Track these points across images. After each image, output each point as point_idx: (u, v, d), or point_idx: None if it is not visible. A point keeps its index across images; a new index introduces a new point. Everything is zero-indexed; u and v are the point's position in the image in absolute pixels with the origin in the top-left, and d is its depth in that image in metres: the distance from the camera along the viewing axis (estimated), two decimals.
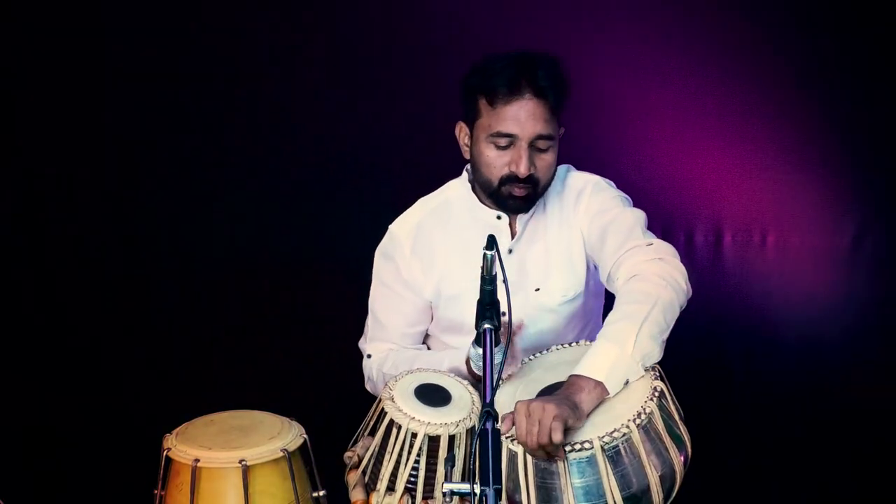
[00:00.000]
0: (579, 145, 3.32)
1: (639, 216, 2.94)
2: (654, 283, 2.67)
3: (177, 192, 4.07)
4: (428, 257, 3.02)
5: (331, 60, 3.98)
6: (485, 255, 2.50)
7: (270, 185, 4.07)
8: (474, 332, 2.59)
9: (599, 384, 2.53)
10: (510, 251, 2.98)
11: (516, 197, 2.88)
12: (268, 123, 4.03)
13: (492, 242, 2.50)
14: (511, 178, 2.86)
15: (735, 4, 3.88)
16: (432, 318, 3.10)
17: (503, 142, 2.84)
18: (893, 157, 3.88)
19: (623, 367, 2.55)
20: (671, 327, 2.66)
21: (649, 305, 2.61)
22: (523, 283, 2.94)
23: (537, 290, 2.98)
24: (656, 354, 2.60)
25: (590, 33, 3.89)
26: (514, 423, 2.48)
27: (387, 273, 3.07)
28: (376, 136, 3.99)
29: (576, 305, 3.02)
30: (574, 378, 2.56)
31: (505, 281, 2.50)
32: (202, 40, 3.96)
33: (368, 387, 3.14)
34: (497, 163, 2.86)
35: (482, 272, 2.51)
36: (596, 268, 2.98)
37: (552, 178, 2.94)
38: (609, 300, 3.12)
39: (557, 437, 2.42)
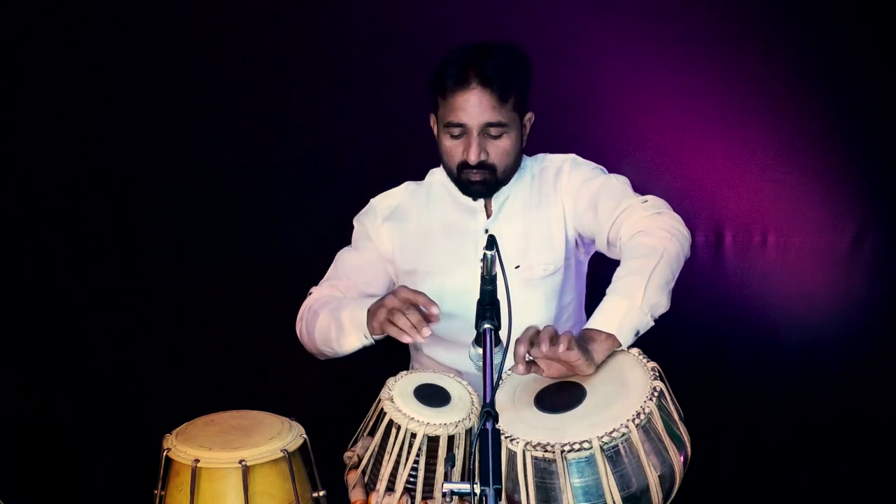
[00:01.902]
0: (579, 145, 3.33)
1: (624, 180, 3.07)
2: (659, 236, 2.80)
3: (177, 192, 4.07)
4: (399, 229, 3.16)
5: (330, 62, 3.98)
6: (485, 255, 2.51)
7: (270, 185, 4.07)
8: (454, 312, 2.71)
9: (611, 336, 2.65)
10: (486, 231, 3.09)
11: (473, 182, 3.03)
12: (268, 124, 4.02)
13: (492, 243, 2.51)
14: (465, 165, 3.01)
15: (735, 4, 3.88)
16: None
17: (456, 131, 2.99)
18: (893, 157, 3.88)
19: (633, 319, 2.66)
20: (676, 277, 2.78)
21: (656, 259, 2.73)
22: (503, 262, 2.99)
23: (517, 267, 3.06)
24: (664, 304, 2.72)
25: (589, 33, 3.89)
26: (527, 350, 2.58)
27: (357, 232, 3.25)
28: (377, 136, 3.99)
29: (556, 281, 3.10)
30: (586, 331, 2.67)
31: (505, 282, 2.51)
32: (201, 41, 3.95)
33: (297, 326, 3.23)
34: (453, 152, 3.02)
35: (482, 272, 2.52)
36: (583, 242, 3.10)
37: (514, 163, 3.07)
38: (592, 288, 3.15)
39: (563, 346, 2.53)
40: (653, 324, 2.70)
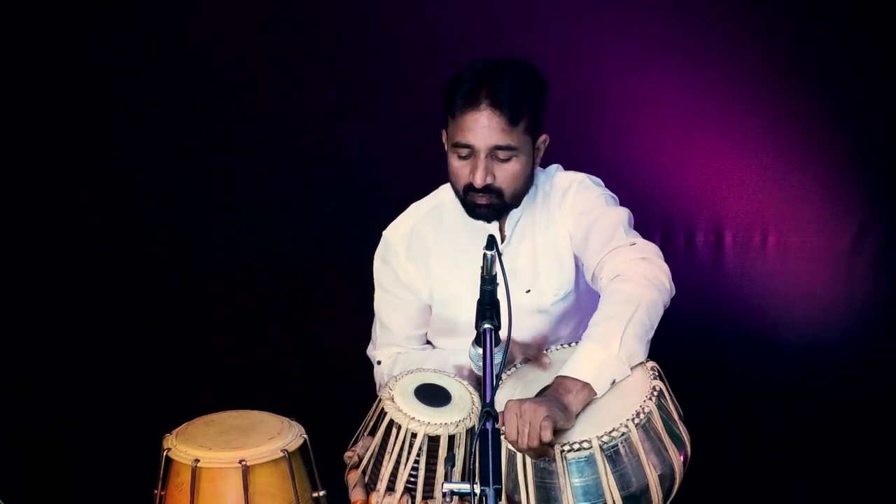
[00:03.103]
0: (579, 146, 3.33)
1: (622, 215, 2.95)
2: (637, 283, 2.70)
3: (177, 192, 4.07)
4: (423, 260, 3.06)
5: (331, 62, 3.98)
6: (485, 255, 2.51)
7: (270, 185, 4.07)
8: (468, 334, 2.61)
9: (587, 385, 2.57)
10: (500, 254, 2.98)
11: (479, 205, 2.92)
12: (268, 124, 4.02)
13: (492, 243, 2.51)
14: (471, 188, 2.90)
15: (735, 4, 3.88)
16: None
17: (463, 152, 2.88)
18: (893, 158, 3.88)
19: (610, 368, 2.59)
20: (655, 327, 2.68)
21: (633, 306, 2.64)
22: (513, 285, 2.94)
23: (528, 291, 3.01)
24: (641, 354, 2.64)
25: (589, 34, 3.89)
26: (502, 423, 2.50)
27: (385, 278, 3.11)
28: (377, 136, 3.98)
29: (567, 304, 3.04)
30: (561, 379, 2.59)
31: (505, 281, 2.50)
32: (200, 41, 3.95)
33: (383, 395, 3.14)
34: (460, 172, 2.91)
35: (482, 272, 2.52)
36: (583, 265, 3.00)
37: (523, 187, 2.96)
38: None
39: (547, 436, 2.45)
40: (629, 374, 2.61)
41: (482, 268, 2.52)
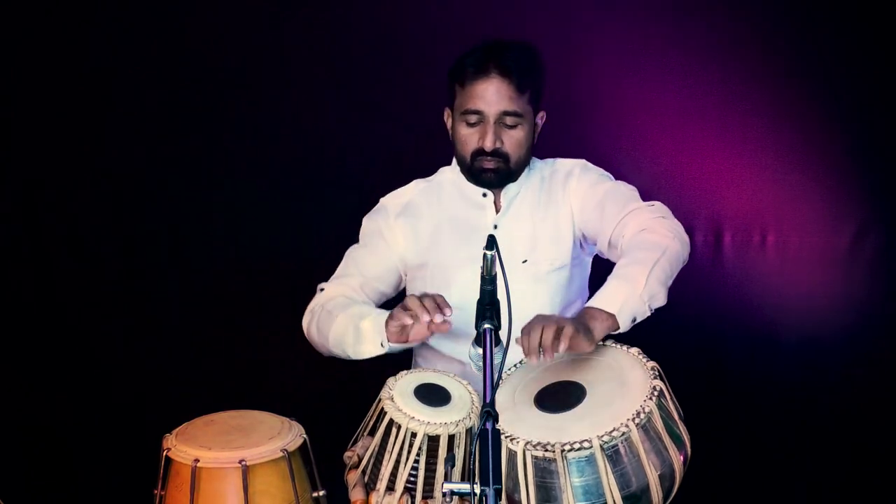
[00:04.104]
0: (579, 145, 3.33)
1: (632, 188, 3.15)
2: (662, 234, 2.89)
3: (177, 192, 4.07)
4: (412, 225, 3.18)
5: (331, 62, 3.98)
6: (485, 255, 2.51)
7: (270, 185, 4.07)
8: (462, 306, 2.71)
9: (612, 316, 2.72)
10: (495, 226, 3.13)
11: (486, 169, 3.07)
12: (268, 124, 4.02)
13: (492, 243, 2.51)
14: (480, 152, 3.06)
15: (735, 4, 3.88)
16: (402, 289, 3.23)
17: (472, 118, 3.04)
18: (893, 157, 3.88)
19: (633, 305, 2.74)
20: (675, 276, 2.86)
21: (659, 253, 2.82)
22: (510, 256, 3.02)
23: (524, 261, 3.10)
24: (661, 298, 2.80)
25: (589, 33, 3.89)
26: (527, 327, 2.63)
27: (367, 230, 3.25)
28: (377, 136, 3.99)
29: (563, 276, 3.14)
30: (588, 309, 2.74)
31: (505, 281, 2.51)
32: (200, 41, 3.95)
33: (304, 322, 3.21)
34: (468, 139, 3.07)
35: (482, 272, 2.52)
36: (586, 242, 3.14)
37: (525, 155, 3.12)
38: (594, 287, 3.14)
39: (569, 331, 2.59)
40: (649, 314, 2.76)
41: (482, 268, 2.52)
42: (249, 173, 4.07)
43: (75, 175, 4.05)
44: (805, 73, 3.86)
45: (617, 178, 3.20)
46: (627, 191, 3.12)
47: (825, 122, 3.87)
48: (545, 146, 3.27)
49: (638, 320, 2.75)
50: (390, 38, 3.92)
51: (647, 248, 2.84)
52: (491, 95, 3.00)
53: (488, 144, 3.03)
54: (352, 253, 3.26)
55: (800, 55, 3.85)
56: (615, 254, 2.99)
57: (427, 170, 3.31)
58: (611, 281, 2.79)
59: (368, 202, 3.37)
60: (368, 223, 3.26)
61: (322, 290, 3.21)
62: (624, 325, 2.73)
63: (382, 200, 3.27)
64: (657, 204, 3.04)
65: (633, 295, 2.73)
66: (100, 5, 3.95)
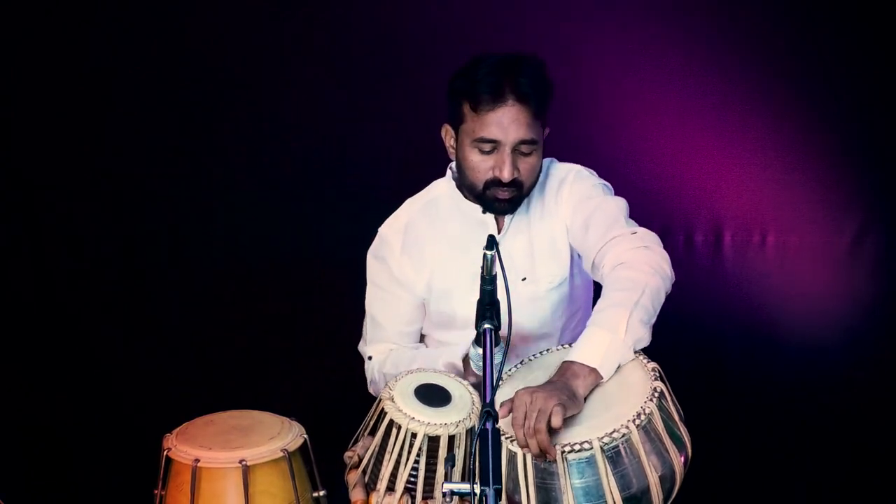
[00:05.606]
0: (579, 145, 3.34)
1: (621, 205, 2.97)
2: (641, 270, 2.72)
3: (177, 192, 4.07)
4: (418, 254, 3.06)
5: (331, 62, 3.98)
6: (485, 255, 2.51)
7: (270, 185, 4.07)
8: (467, 328, 2.62)
9: (594, 370, 2.59)
10: (500, 254, 3.00)
11: (501, 200, 2.92)
12: (268, 124, 4.03)
13: (492, 243, 2.51)
14: (495, 182, 2.90)
15: (735, 4, 3.88)
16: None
17: (487, 147, 2.87)
18: (893, 157, 3.88)
19: (616, 353, 2.61)
20: (657, 313, 2.71)
21: (638, 292, 2.66)
22: (509, 274, 2.96)
23: (524, 279, 3.02)
24: (646, 339, 2.66)
25: (589, 33, 3.89)
26: (510, 411, 2.51)
27: (379, 274, 3.11)
28: (377, 136, 3.99)
29: (562, 292, 3.06)
30: (568, 364, 2.60)
31: (505, 281, 2.50)
32: (200, 41, 3.95)
33: (371, 389, 3.16)
34: (481, 167, 2.90)
35: (482, 272, 2.52)
36: (580, 256, 3.02)
37: (537, 180, 2.98)
38: (598, 289, 3.14)
39: (557, 421, 2.46)
40: (634, 357, 2.64)
41: (482, 268, 2.52)
42: (249, 173, 4.07)
43: (75, 175, 4.05)
44: (805, 73, 3.86)
45: (617, 178, 3.16)
46: (614, 210, 2.94)
47: (825, 122, 3.87)
48: (546, 146, 3.26)
49: (623, 366, 2.62)
50: (390, 38, 3.92)
51: (626, 287, 2.68)
52: (508, 123, 2.84)
53: (507, 176, 2.86)
54: (373, 307, 3.13)
55: (800, 55, 3.85)
56: (598, 276, 2.86)
57: (426, 170, 3.28)
58: (590, 328, 2.64)
59: (368, 202, 3.38)
60: (376, 265, 3.11)
61: (370, 358, 3.14)
62: (608, 376, 2.60)
63: (381, 231, 3.11)
64: (640, 231, 2.86)
65: (614, 342, 2.60)
66: (100, 5, 3.95)
